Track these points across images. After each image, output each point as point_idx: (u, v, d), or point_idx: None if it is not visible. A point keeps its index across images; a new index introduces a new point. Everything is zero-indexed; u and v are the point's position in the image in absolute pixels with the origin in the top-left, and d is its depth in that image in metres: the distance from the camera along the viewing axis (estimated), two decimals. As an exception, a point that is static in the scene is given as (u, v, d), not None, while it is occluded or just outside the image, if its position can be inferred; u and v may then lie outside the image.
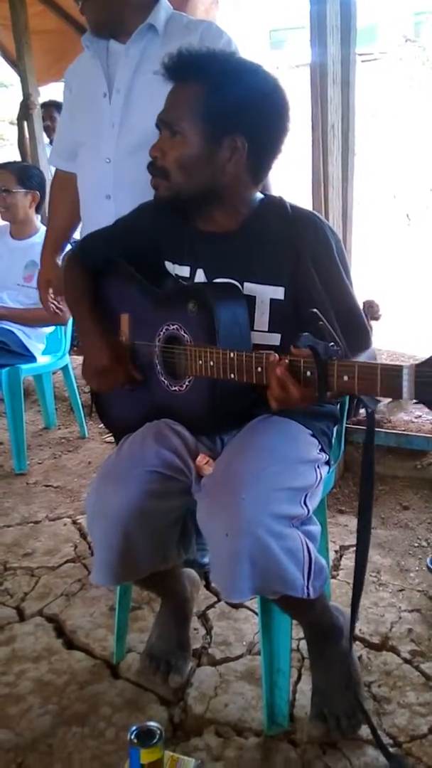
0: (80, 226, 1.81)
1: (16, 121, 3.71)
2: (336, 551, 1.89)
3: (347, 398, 1.39)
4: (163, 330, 1.22)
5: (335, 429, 1.35)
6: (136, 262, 1.31)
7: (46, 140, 3.83)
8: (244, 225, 1.21)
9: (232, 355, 1.04)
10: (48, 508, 2.22)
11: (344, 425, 1.42)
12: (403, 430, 2.46)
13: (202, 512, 1.07)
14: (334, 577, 1.76)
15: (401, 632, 1.54)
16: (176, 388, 1.20)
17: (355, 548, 1.17)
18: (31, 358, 2.60)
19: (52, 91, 4.51)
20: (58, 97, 4.32)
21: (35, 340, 2.61)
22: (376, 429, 2.48)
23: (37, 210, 2.64)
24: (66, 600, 1.70)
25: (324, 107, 1.98)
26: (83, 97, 1.61)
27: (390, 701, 1.34)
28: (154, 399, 1.26)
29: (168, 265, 1.29)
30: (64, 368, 2.82)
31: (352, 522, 2.05)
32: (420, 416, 2.65)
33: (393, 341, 3.73)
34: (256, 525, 0.99)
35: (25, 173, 2.58)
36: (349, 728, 1.22)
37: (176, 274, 1.28)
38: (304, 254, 1.17)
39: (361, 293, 1.36)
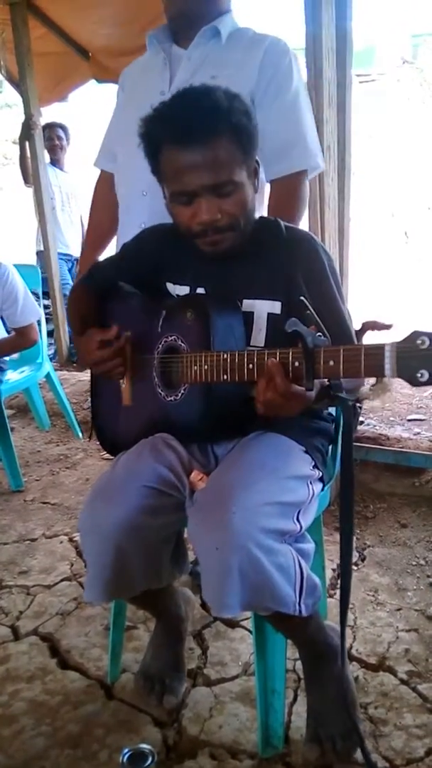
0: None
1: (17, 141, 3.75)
2: (333, 569, 1.88)
3: (341, 416, 1.39)
4: (162, 342, 1.24)
5: (330, 447, 1.35)
6: (139, 284, 1.35)
7: (47, 159, 3.89)
8: (243, 246, 1.22)
9: (225, 356, 1.06)
10: (45, 526, 2.22)
11: (340, 443, 1.42)
12: (401, 448, 2.46)
13: (193, 526, 1.07)
14: (330, 596, 1.75)
15: (398, 652, 1.53)
16: (172, 398, 1.21)
17: (351, 565, 1.16)
18: (2, 370, 2.59)
19: (54, 113, 4.59)
20: (59, 119, 4.42)
21: None
22: (374, 446, 2.51)
23: None
24: (61, 619, 1.69)
25: (320, 129, 2.01)
26: (137, 94, 1.62)
27: (386, 723, 1.33)
28: (151, 413, 1.27)
29: (169, 285, 1.32)
30: (47, 377, 2.86)
31: (350, 540, 2.04)
32: (419, 433, 2.65)
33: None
34: (246, 538, 0.99)
35: None
36: (344, 750, 1.21)
37: (177, 294, 1.30)
38: (297, 274, 1.20)
39: (359, 310, 1.38)
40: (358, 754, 1.22)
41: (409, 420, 2.89)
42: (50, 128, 4.12)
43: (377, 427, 2.60)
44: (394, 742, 1.28)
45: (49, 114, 4.01)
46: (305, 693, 1.31)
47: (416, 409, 3.07)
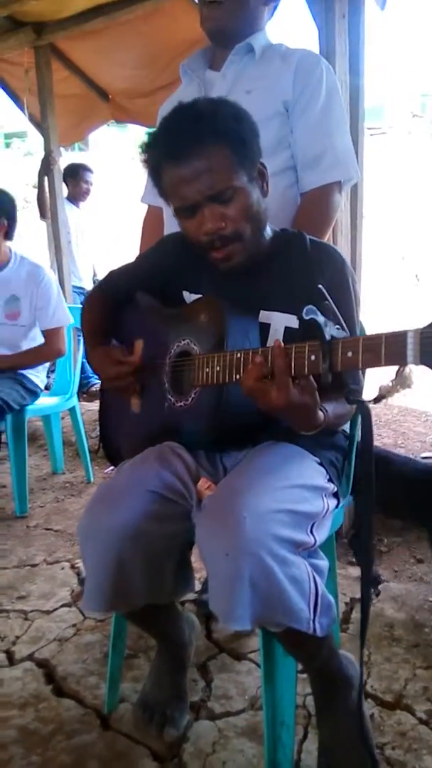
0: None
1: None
2: (346, 603, 1.79)
3: (355, 435, 1.34)
4: (174, 347, 1.21)
5: (344, 464, 1.30)
6: (155, 292, 1.33)
7: (65, 193, 3.97)
8: (264, 256, 1.20)
9: (239, 355, 1.02)
10: (47, 552, 2.14)
11: (353, 461, 1.37)
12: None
13: (202, 532, 1.01)
14: (344, 630, 1.66)
15: (416, 690, 1.43)
16: (182, 404, 1.17)
17: (357, 598, 1.09)
18: (35, 393, 2.55)
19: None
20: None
21: (36, 374, 2.56)
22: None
23: (7, 237, 2.43)
24: (59, 645, 1.60)
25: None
26: None
27: (405, 765, 1.22)
28: (160, 420, 1.23)
29: (186, 294, 1.29)
30: (72, 411, 2.80)
31: (363, 573, 1.95)
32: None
33: (404, 399, 3.70)
34: (257, 546, 0.93)
35: None
36: (359, 792, 1.10)
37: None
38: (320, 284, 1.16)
39: None
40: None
41: (424, 458, 2.82)
42: (84, 171, 4.21)
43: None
44: (414, 786, 1.17)
45: (69, 157, 4.13)
46: (317, 729, 1.21)
47: (430, 447, 3.00)
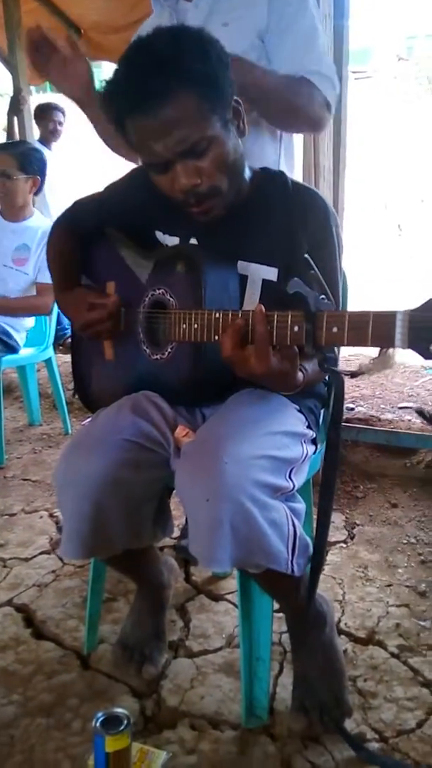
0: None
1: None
2: (322, 546, 1.82)
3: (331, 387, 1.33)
4: (149, 295, 1.16)
5: (322, 411, 1.30)
6: (126, 230, 1.25)
7: (36, 135, 3.80)
8: (243, 200, 1.14)
9: (217, 315, 0.98)
10: (24, 501, 2.14)
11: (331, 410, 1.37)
12: (393, 428, 2.42)
13: (182, 478, 1.00)
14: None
15: (389, 627, 1.47)
16: (158, 357, 1.14)
17: (332, 542, 1.12)
18: (14, 349, 2.54)
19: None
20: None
21: (18, 330, 2.55)
22: (365, 427, 2.45)
23: (36, 193, 2.61)
24: (38, 590, 1.62)
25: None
26: None
27: (376, 696, 1.27)
28: (135, 370, 1.20)
29: (159, 234, 1.24)
30: (48, 362, 2.75)
31: (338, 519, 1.99)
32: (410, 420, 2.60)
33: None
34: (238, 491, 0.93)
35: (27, 158, 2.46)
36: (332, 721, 1.15)
37: (167, 245, 1.22)
38: (301, 236, 1.11)
39: (352, 303, 1.33)
40: (347, 725, 1.17)
41: (401, 408, 2.84)
42: (54, 110, 4.01)
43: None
44: (384, 714, 1.22)
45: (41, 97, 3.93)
46: (292, 664, 1.25)
47: (407, 397, 3.02)
